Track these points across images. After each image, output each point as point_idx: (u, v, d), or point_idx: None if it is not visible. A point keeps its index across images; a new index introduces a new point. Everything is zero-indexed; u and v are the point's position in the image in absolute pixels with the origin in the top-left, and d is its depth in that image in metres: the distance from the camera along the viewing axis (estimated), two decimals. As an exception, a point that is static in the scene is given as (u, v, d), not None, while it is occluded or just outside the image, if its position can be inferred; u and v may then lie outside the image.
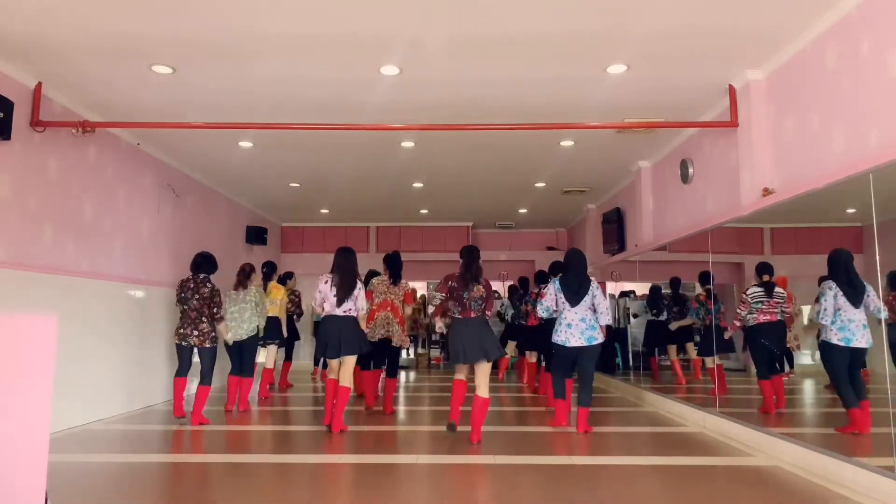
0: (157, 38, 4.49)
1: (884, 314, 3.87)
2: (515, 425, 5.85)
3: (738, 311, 5.28)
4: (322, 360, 9.25)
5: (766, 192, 4.89)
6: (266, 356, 7.36)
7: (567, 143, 7.07)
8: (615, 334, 9.30)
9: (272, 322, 7.09)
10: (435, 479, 3.91)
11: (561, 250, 12.68)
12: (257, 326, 6.41)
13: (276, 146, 7.25)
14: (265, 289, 7.19)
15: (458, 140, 6.89)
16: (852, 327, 4.15)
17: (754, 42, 4.59)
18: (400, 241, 12.45)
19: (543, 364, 7.46)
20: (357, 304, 5.40)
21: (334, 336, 5.29)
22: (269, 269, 7.41)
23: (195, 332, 5.61)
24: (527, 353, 8.24)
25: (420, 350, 12.28)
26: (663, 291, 7.76)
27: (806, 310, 5.33)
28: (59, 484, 3.58)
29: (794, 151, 4.68)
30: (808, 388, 5.82)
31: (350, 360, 5.33)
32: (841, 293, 4.20)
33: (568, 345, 5.22)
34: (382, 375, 6.71)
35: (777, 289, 5.16)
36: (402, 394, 8.07)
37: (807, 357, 5.47)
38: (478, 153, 7.50)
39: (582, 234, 11.61)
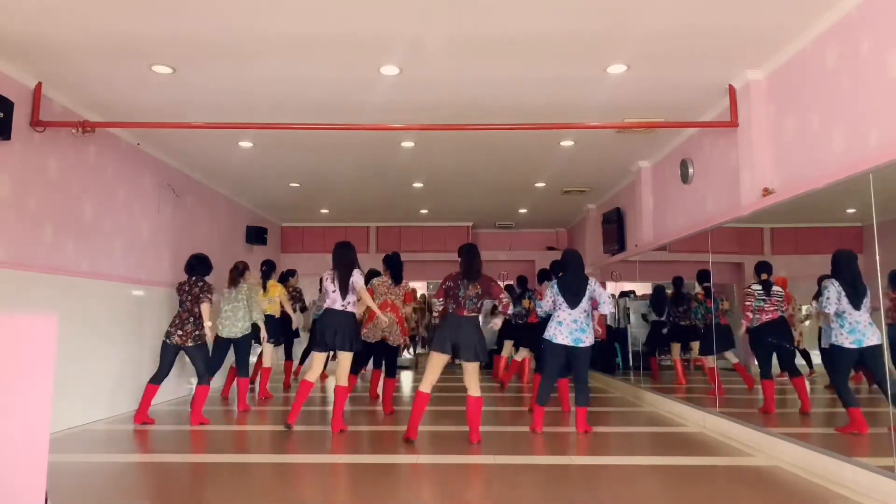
0: (157, 38, 4.49)
1: (883, 317, 3.86)
2: (515, 425, 5.85)
3: (747, 303, 5.22)
4: (303, 357, 9.16)
5: (766, 192, 4.89)
6: (264, 356, 7.35)
7: (567, 143, 7.07)
8: (615, 334, 9.30)
9: (269, 321, 7.09)
10: (435, 479, 3.91)
11: (561, 250, 12.67)
12: (252, 325, 6.42)
13: (276, 146, 7.25)
14: (264, 287, 7.21)
15: (458, 140, 6.89)
16: (860, 328, 4.09)
17: (754, 42, 4.59)
18: (400, 241, 12.45)
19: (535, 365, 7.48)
20: (356, 290, 5.32)
21: (330, 329, 5.26)
22: (269, 268, 7.41)
23: (179, 332, 5.59)
24: (520, 348, 8.22)
25: (420, 350, 12.27)
26: (667, 291, 7.75)
27: (806, 310, 5.33)
28: (59, 484, 3.58)
29: (794, 151, 4.69)
30: (808, 388, 5.82)
31: (346, 359, 5.32)
32: (843, 293, 4.17)
33: (554, 341, 5.23)
34: (381, 376, 6.71)
35: (774, 287, 5.17)
36: (401, 394, 8.07)
37: (814, 357, 5.46)
38: (478, 153, 7.50)
39: (582, 234, 11.61)
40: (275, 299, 7.27)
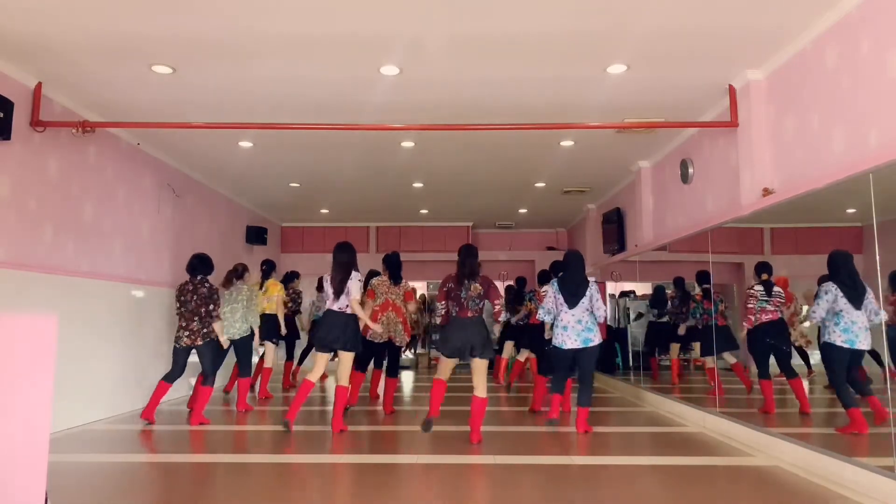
0: (157, 38, 4.49)
1: (882, 317, 3.86)
2: (515, 425, 5.85)
3: (749, 305, 5.23)
4: (301, 357, 9.19)
5: (766, 192, 4.89)
6: (265, 355, 7.35)
7: (567, 143, 7.07)
8: (615, 334, 9.31)
9: (270, 320, 7.09)
10: (435, 479, 3.91)
11: (561, 250, 12.67)
12: (251, 326, 6.43)
13: (276, 146, 7.25)
14: (262, 286, 7.21)
15: (458, 140, 6.89)
16: (855, 329, 4.14)
17: (754, 42, 4.59)
18: (400, 241, 12.45)
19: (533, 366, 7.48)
20: (350, 296, 5.26)
21: (327, 332, 5.26)
22: (269, 267, 7.42)
23: (187, 333, 5.61)
24: (521, 349, 8.22)
25: (420, 350, 12.28)
26: (667, 291, 7.75)
27: (807, 310, 5.33)
28: (59, 484, 3.58)
29: (794, 151, 4.69)
30: (808, 389, 5.82)
31: (346, 359, 5.32)
32: (842, 294, 4.19)
33: (565, 347, 5.25)
34: (382, 375, 6.72)
35: (775, 288, 5.17)
36: (402, 394, 8.08)
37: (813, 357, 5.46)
38: (478, 153, 7.50)
39: (582, 234, 11.61)
40: (273, 298, 7.26)
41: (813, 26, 4.30)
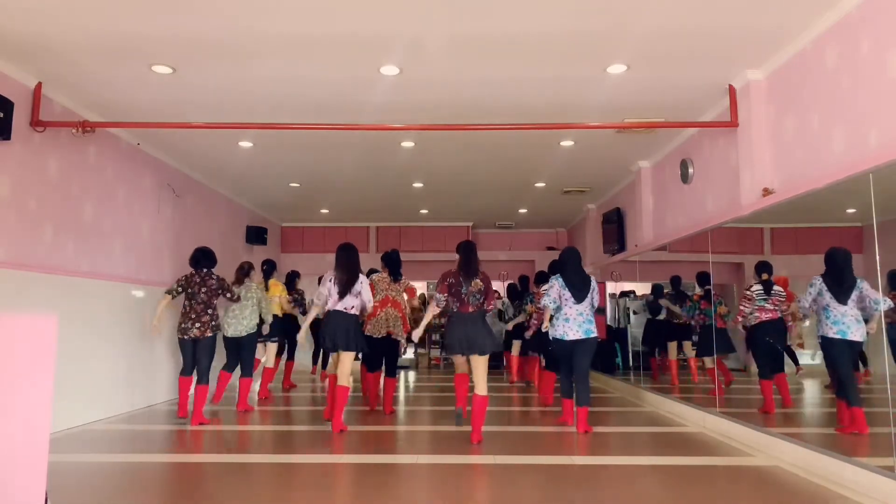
0: (157, 38, 4.49)
1: (883, 305, 3.90)
2: (516, 425, 5.85)
3: (742, 307, 5.30)
4: (321, 358, 9.26)
5: (766, 192, 4.89)
6: (266, 355, 7.36)
7: (567, 143, 7.07)
8: (615, 334, 9.30)
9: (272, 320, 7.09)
10: (435, 479, 3.91)
11: (561, 250, 12.67)
12: (258, 324, 6.44)
13: (276, 146, 7.25)
14: (266, 286, 7.22)
15: (458, 140, 6.89)
16: (846, 321, 4.24)
17: (754, 42, 4.59)
18: (400, 241, 12.44)
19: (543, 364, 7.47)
20: (362, 298, 5.40)
21: (333, 331, 5.29)
22: (269, 267, 7.44)
23: (197, 324, 5.62)
24: (529, 352, 8.23)
25: (420, 350, 12.27)
26: (665, 291, 7.75)
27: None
28: (59, 484, 3.58)
29: (794, 151, 4.69)
30: (809, 388, 5.82)
31: (347, 358, 5.31)
32: (826, 289, 4.32)
33: (567, 338, 5.31)
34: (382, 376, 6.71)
35: (775, 287, 5.18)
36: (402, 394, 8.07)
37: (807, 357, 5.47)
38: (478, 153, 7.50)
39: (582, 234, 11.61)
40: (274, 298, 7.29)
41: (813, 26, 4.30)
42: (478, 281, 4.96)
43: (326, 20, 4.22)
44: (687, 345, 7.19)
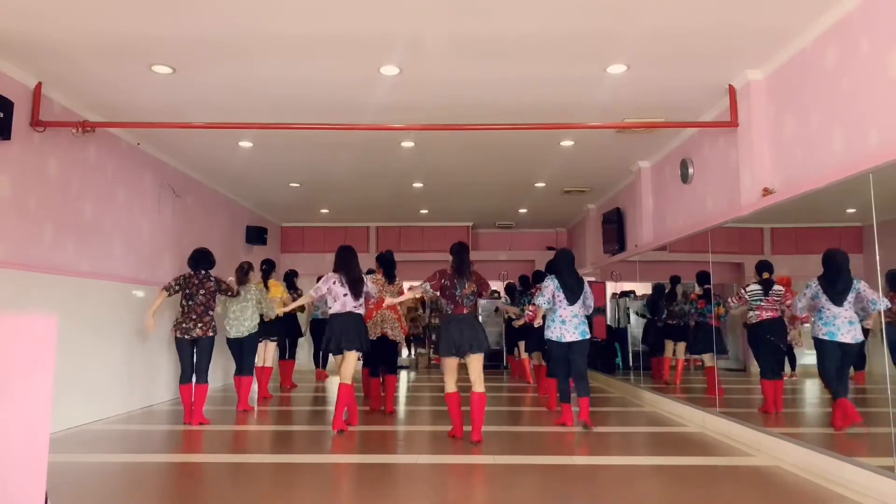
0: (157, 38, 4.49)
1: (881, 305, 3.91)
2: (516, 425, 5.85)
3: (730, 301, 5.39)
4: (322, 360, 9.30)
5: (766, 192, 4.89)
6: (265, 355, 7.37)
7: (567, 143, 7.07)
8: (615, 334, 9.30)
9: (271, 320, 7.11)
10: (435, 479, 3.91)
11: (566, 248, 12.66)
12: (258, 324, 6.47)
13: (276, 146, 7.25)
14: (266, 286, 7.23)
15: (458, 140, 6.89)
16: (837, 323, 4.29)
17: (754, 42, 4.59)
18: (400, 241, 12.45)
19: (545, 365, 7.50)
20: (370, 293, 5.53)
21: (341, 332, 5.25)
22: (269, 267, 7.47)
23: (199, 325, 5.62)
24: (532, 354, 8.24)
25: (420, 350, 12.28)
26: (666, 291, 7.76)
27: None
28: (59, 484, 3.58)
29: (794, 151, 4.69)
30: (809, 388, 5.82)
31: (350, 358, 5.31)
32: (821, 291, 4.37)
33: (563, 340, 5.42)
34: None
35: (775, 286, 5.19)
36: (402, 394, 8.07)
37: (808, 357, 5.47)
38: (478, 153, 7.50)
39: (582, 234, 11.61)
40: (275, 298, 7.30)
41: (813, 26, 4.30)
42: (471, 283, 4.99)
43: (326, 20, 4.22)
44: (681, 346, 7.19)
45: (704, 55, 4.79)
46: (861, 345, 4.30)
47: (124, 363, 6.33)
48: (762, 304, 5.16)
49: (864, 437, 4.22)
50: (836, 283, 4.30)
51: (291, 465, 4.24)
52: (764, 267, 5.28)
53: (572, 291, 5.44)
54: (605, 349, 9.38)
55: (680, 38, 4.51)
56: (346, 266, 5.39)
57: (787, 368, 5.55)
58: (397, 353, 6.55)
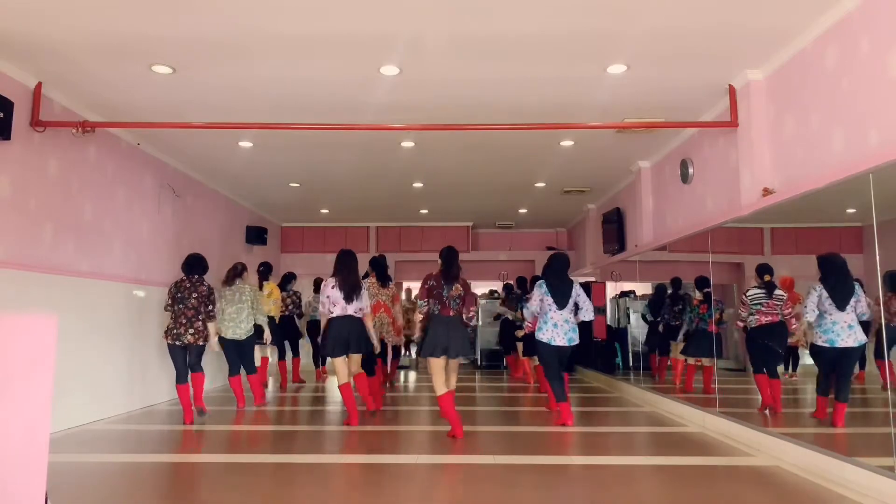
0: (157, 38, 4.49)
1: (866, 317, 3.96)
2: (516, 425, 5.85)
3: (740, 312, 5.34)
4: (321, 360, 9.36)
5: (766, 192, 4.89)
6: (261, 355, 7.40)
7: (567, 143, 7.07)
8: (615, 334, 9.30)
9: (269, 322, 7.17)
10: (435, 479, 3.91)
11: (561, 250, 12.67)
12: (254, 325, 6.50)
13: (276, 146, 7.25)
14: (261, 288, 7.31)
15: (458, 140, 6.89)
16: (837, 329, 4.27)
17: (754, 42, 4.59)
18: (400, 241, 12.45)
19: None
20: (362, 302, 5.56)
21: (340, 335, 5.40)
22: (266, 269, 7.52)
23: (191, 331, 5.63)
24: (532, 357, 8.26)
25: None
26: (669, 293, 7.76)
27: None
28: (59, 484, 3.58)
29: (794, 151, 4.69)
30: (809, 388, 5.82)
31: (356, 359, 5.53)
32: (826, 295, 4.32)
33: (553, 343, 5.49)
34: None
35: (777, 290, 5.18)
36: (402, 394, 8.07)
37: (808, 357, 5.48)
38: (478, 153, 7.50)
39: (582, 234, 11.61)
40: (276, 301, 7.40)
41: (813, 26, 4.30)
42: (458, 286, 5.06)
43: (326, 20, 4.22)
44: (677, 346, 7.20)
45: (704, 55, 4.79)
46: (863, 347, 4.29)
47: (124, 363, 6.33)
48: (762, 308, 5.17)
49: (864, 437, 4.22)
50: (842, 287, 4.26)
51: (290, 465, 4.24)
52: (765, 270, 5.27)
53: (560, 297, 5.51)
54: (605, 349, 9.38)
55: (680, 38, 4.51)
56: (343, 271, 5.48)
57: (788, 368, 5.55)
58: (399, 351, 6.63)
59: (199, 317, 5.69)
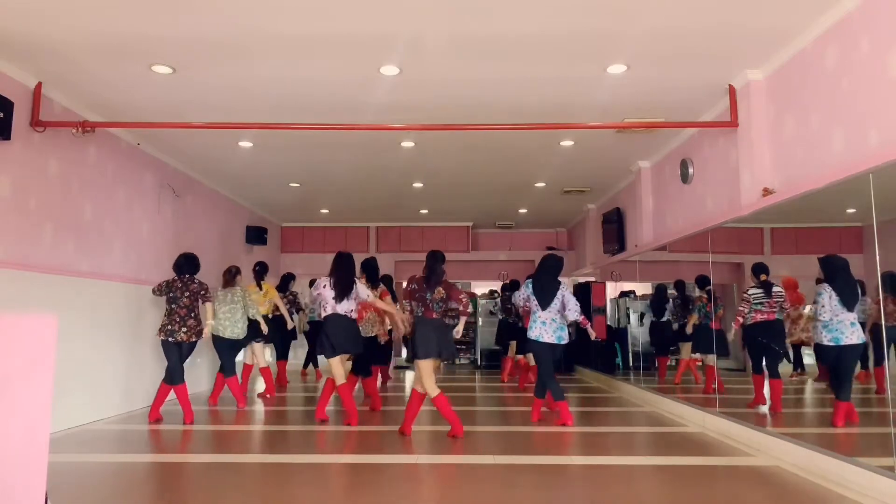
0: (157, 38, 4.49)
1: (863, 317, 4.00)
2: (515, 425, 5.85)
3: (740, 308, 5.34)
4: (311, 360, 9.46)
5: (766, 192, 4.89)
6: (255, 355, 7.39)
7: (567, 143, 7.07)
8: (615, 334, 9.30)
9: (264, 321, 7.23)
10: (434, 479, 3.91)
11: (561, 250, 12.67)
12: (248, 325, 6.56)
13: (276, 146, 7.25)
14: (259, 287, 7.36)
15: (458, 140, 6.89)
16: (841, 327, 4.32)
17: (754, 42, 4.59)
18: (400, 241, 12.45)
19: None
20: (360, 297, 5.59)
21: (334, 334, 5.43)
22: (261, 269, 7.57)
23: (183, 328, 5.69)
24: (525, 354, 8.27)
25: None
26: (669, 292, 7.75)
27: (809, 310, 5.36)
28: (59, 484, 3.58)
29: (794, 151, 4.69)
30: (809, 388, 5.82)
31: (344, 360, 5.61)
32: (835, 295, 4.35)
33: (542, 340, 5.60)
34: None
35: (775, 288, 5.19)
36: (402, 395, 8.07)
37: (808, 357, 5.48)
38: (478, 153, 7.50)
39: (582, 234, 11.61)
40: (271, 300, 7.44)
41: (813, 26, 4.30)
42: (440, 289, 5.10)
43: (326, 20, 4.22)
44: (686, 346, 7.19)
45: (704, 55, 4.79)
46: (865, 345, 4.31)
47: (124, 363, 6.33)
48: (762, 307, 5.18)
49: (864, 437, 4.22)
50: (850, 288, 4.31)
51: (290, 465, 4.24)
52: (761, 269, 5.30)
53: (542, 297, 5.62)
54: (605, 349, 9.38)
55: (680, 38, 4.51)
56: (336, 271, 5.55)
57: (790, 367, 5.55)
58: (388, 350, 6.73)
59: (192, 315, 5.75)
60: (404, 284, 7.01)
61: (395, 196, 10.02)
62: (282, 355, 8.76)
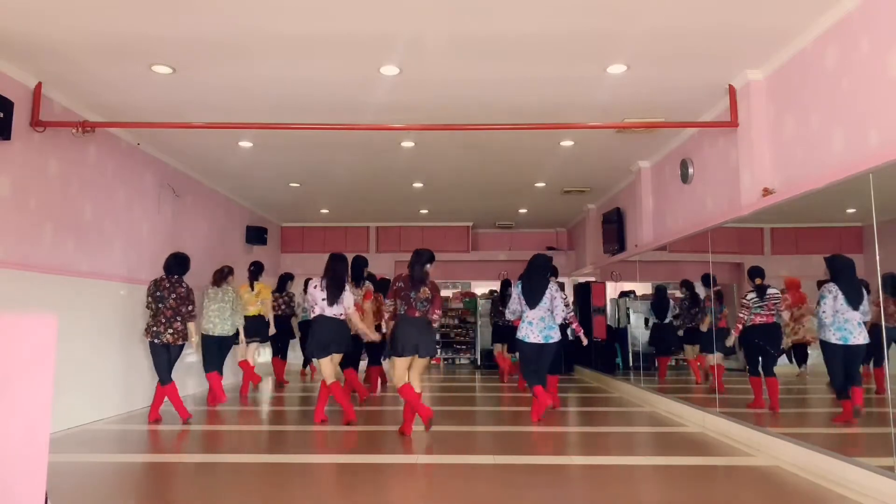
0: (157, 38, 4.49)
1: (868, 316, 4.00)
2: (515, 425, 5.85)
3: (740, 315, 5.35)
4: (309, 360, 9.50)
5: (766, 192, 4.89)
6: (248, 354, 7.41)
7: (567, 143, 7.07)
8: (615, 334, 9.30)
9: (258, 320, 7.35)
10: (434, 479, 3.91)
11: (561, 250, 12.68)
12: (233, 325, 6.60)
13: (275, 146, 7.25)
14: (252, 287, 7.39)
15: (458, 140, 6.89)
16: (849, 326, 4.32)
17: (754, 42, 4.59)
18: (400, 241, 12.45)
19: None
20: (344, 304, 5.58)
21: (324, 336, 5.47)
22: (256, 269, 7.60)
23: (169, 331, 5.66)
24: (514, 354, 8.33)
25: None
26: (669, 293, 7.74)
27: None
28: (59, 484, 3.58)
29: (794, 151, 4.69)
30: (809, 388, 5.82)
31: (337, 359, 5.65)
32: (842, 295, 4.34)
33: (528, 340, 5.67)
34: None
35: (770, 290, 5.21)
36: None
37: (809, 357, 5.48)
38: (478, 153, 7.50)
39: (582, 234, 11.61)
40: (266, 301, 7.49)
41: (813, 26, 4.30)
42: (425, 289, 5.12)
43: (326, 20, 4.22)
44: (691, 347, 7.19)
45: (704, 55, 4.79)
46: (869, 345, 4.32)
47: (124, 363, 6.33)
48: (760, 311, 5.20)
49: (864, 437, 4.22)
50: (857, 290, 4.32)
51: (289, 465, 4.24)
52: (756, 273, 5.31)
53: (530, 298, 5.67)
54: (605, 349, 9.38)
55: (680, 38, 4.51)
56: (328, 273, 5.57)
57: (795, 367, 5.56)
58: (378, 347, 6.91)
59: (178, 317, 5.70)
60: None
61: (394, 196, 10.02)
62: (280, 354, 8.77)
